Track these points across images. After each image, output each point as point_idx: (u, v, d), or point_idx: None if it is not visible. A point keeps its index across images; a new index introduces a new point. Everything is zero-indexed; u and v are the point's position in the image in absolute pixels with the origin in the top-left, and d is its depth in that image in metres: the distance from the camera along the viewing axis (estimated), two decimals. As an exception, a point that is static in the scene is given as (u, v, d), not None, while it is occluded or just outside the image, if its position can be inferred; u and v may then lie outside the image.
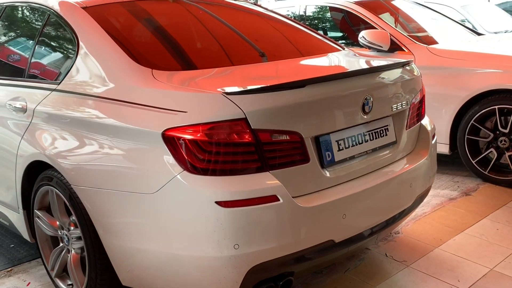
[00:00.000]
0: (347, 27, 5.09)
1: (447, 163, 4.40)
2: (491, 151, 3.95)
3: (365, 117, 2.34)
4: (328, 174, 2.22)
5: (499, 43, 4.95)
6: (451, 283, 2.68)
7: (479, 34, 5.36)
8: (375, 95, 2.37)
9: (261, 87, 2.04)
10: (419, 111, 2.76)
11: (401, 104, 2.55)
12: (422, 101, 2.79)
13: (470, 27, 7.10)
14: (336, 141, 2.27)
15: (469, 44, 4.64)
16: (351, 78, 2.35)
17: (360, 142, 2.39)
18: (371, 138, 2.45)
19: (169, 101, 2.04)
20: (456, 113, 4.01)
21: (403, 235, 3.19)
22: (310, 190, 2.16)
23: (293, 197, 2.05)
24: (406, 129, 2.63)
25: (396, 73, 2.59)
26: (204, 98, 2.01)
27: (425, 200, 3.61)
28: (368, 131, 2.43)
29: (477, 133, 3.99)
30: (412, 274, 2.77)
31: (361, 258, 2.93)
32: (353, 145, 2.35)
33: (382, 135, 2.50)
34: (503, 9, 8.69)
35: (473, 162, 4.02)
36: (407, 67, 2.67)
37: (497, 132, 3.90)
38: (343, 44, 4.74)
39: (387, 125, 2.53)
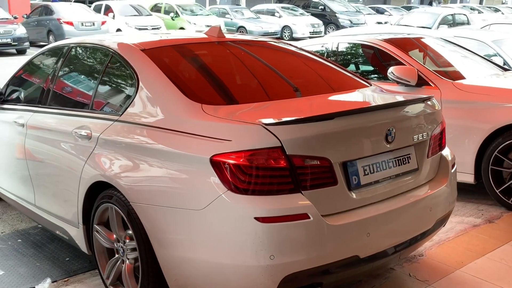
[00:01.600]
0: (378, 63, 5.39)
1: (473, 192, 4.60)
2: (514, 181, 4.14)
3: (388, 146, 2.63)
4: (354, 196, 2.52)
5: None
6: (470, 301, 2.90)
7: (506, 69, 5.57)
8: (397, 127, 2.67)
9: (295, 119, 2.38)
10: (440, 141, 3.02)
11: (422, 135, 2.84)
12: (442, 133, 3.06)
13: (502, 61, 7.29)
14: (362, 166, 2.57)
15: (494, 79, 4.87)
16: (375, 111, 2.66)
17: (384, 168, 2.68)
18: (394, 165, 2.73)
19: (216, 131, 2.39)
20: (481, 144, 4.24)
21: (426, 258, 3.42)
22: (338, 209, 2.46)
23: (322, 215, 2.35)
24: (428, 158, 2.90)
25: (417, 107, 2.88)
26: (246, 128, 2.36)
27: (449, 226, 3.85)
28: (391, 159, 2.71)
29: (501, 164, 4.20)
30: (433, 292, 3.00)
31: (386, 277, 3.17)
32: (377, 171, 2.65)
33: (404, 162, 2.79)
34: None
35: (497, 191, 4.22)
36: (428, 102, 2.96)
37: (520, 163, 4.11)
38: (374, 78, 5.06)
39: (409, 154, 2.81)
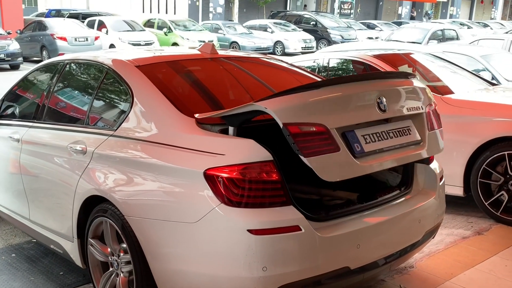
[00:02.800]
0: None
1: (463, 205, 4.67)
2: (502, 194, 4.22)
3: (381, 114, 2.63)
4: (360, 163, 2.53)
5: (510, 93, 5.28)
6: (459, 312, 2.95)
7: (494, 84, 5.69)
8: (387, 95, 2.67)
9: (284, 91, 2.41)
10: (437, 119, 3.03)
11: (416, 108, 2.86)
12: (437, 113, 3.04)
13: (490, 76, 7.42)
14: (361, 135, 2.59)
15: (482, 94, 4.98)
16: (362, 81, 2.69)
17: (385, 138, 2.71)
18: (396, 136, 2.76)
19: (210, 145, 2.45)
20: (469, 158, 4.32)
21: (416, 269, 3.47)
22: (347, 176, 2.48)
23: (315, 228, 2.40)
24: (429, 131, 2.93)
25: (403, 81, 2.92)
26: (239, 143, 2.43)
27: (439, 238, 3.91)
28: (391, 130, 2.75)
29: (489, 177, 4.28)
30: (423, 303, 3.05)
31: (377, 289, 3.22)
32: (379, 140, 2.67)
33: (405, 134, 2.82)
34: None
35: (486, 204, 4.29)
36: (414, 80, 2.97)
37: (508, 175, 4.19)
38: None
39: (408, 126, 2.85)
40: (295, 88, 2.46)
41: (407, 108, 2.83)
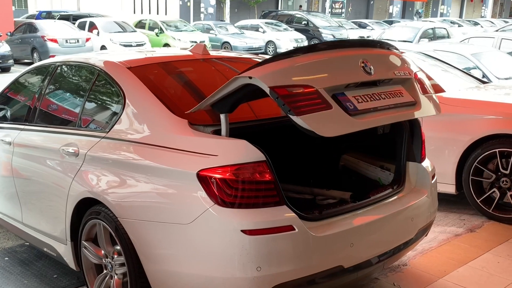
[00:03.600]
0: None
1: (455, 203, 4.70)
2: (494, 191, 4.25)
3: (368, 76, 2.58)
4: (356, 119, 2.45)
5: (501, 91, 5.32)
6: (453, 309, 2.97)
7: (484, 82, 5.73)
8: (370, 60, 2.62)
9: (269, 58, 2.40)
10: (424, 86, 2.96)
11: (403, 73, 2.81)
12: (423, 80, 2.99)
13: (481, 74, 7.47)
14: (353, 96, 2.51)
15: (473, 92, 5.01)
16: (343, 48, 2.66)
17: (378, 99, 2.63)
18: (388, 97, 2.68)
19: (203, 146, 2.46)
20: (461, 156, 4.35)
21: (410, 267, 3.49)
22: (344, 131, 2.41)
23: (307, 222, 2.41)
24: (422, 94, 2.87)
25: (385, 51, 2.89)
26: (232, 143, 2.43)
27: (432, 236, 3.93)
28: (382, 92, 2.67)
29: (481, 174, 4.31)
30: (417, 301, 3.07)
31: (371, 287, 3.23)
32: (371, 100, 2.59)
33: (397, 96, 2.75)
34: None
35: (478, 201, 4.32)
36: (395, 50, 2.95)
37: (499, 173, 4.22)
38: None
39: (399, 90, 2.78)
40: (279, 55, 2.44)
41: (393, 73, 2.76)
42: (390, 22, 28.00)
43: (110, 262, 2.89)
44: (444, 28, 17.34)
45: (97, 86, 3.24)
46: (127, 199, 2.67)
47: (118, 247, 2.76)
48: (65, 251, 3.23)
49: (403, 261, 3.53)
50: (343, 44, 2.75)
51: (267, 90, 2.28)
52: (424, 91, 2.92)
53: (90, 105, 3.26)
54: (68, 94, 3.64)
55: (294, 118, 2.26)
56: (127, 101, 2.89)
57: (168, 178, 2.51)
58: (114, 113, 2.99)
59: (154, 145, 2.63)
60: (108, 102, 3.18)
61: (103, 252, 2.94)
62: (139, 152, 2.69)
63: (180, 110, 2.73)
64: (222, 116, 2.53)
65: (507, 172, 4.17)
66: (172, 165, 2.51)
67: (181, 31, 21.46)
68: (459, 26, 23.93)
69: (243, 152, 2.38)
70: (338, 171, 3.56)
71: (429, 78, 5.32)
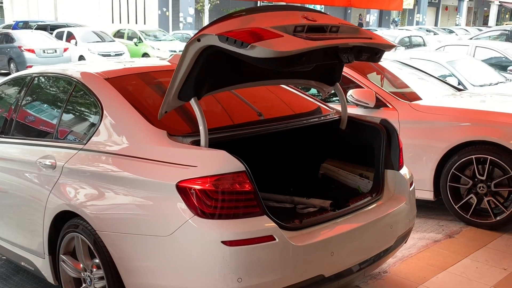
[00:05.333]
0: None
1: (434, 209, 4.75)
2: (471, 197, 4.31)
3: (313, 22, 2.51)
4: (308, 40, 2.35)
5: (476, 98, 5.42)
6: (433, 315, 3.00)
7: (459, 89, 5.83)
8: (312, 16, 2.56)
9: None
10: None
11: (349, 26, 2.73)
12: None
13: (456, 81, 7.60)
14: (303, 33, 2.41)
15: (449, 99, 5.09)
16: None
17: (330, 35, 2.55)
18: (341, 34, 2.61)
19: (182, 157, 2.45)
20: (438, 162, 4.41)
21: (390, 274, 3.51)
22: (299, 46, 2.29)
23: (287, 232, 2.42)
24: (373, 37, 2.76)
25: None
26: (211, 154, 2.43)
27: (411, 242, 3.97)
28: (332, 35, 2.58)
29: (458, 181, 4.37)
30: (397, 308, 3.09)
31: (352, 295, 3.25)
32: (324, 35, 2.50)
33: (350, 33, 2.66)
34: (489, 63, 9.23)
35: (456, 207, 4.38)
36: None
37: (476, 179, 4.28)
38: (336, 101, 5.18)
39: (350, 34, 2.66)
40: (222, 17, 2.44)
41: (338, 22, 2.70)
42: (368, 31, 28.30)
43: (89, 276, 2.85)
44: (420, 36, 17.62)
45: (74, 97, 3.21)
46: (105, 212, 2.64)
47: (97, 261, 2.72)
48: (43, 265, 3.18)
49: (384, 268, 3.56)
50: (285, 7, 2.81)
51: (216, 39, 2.25)
52: (375, 36, 2.84)
53: (67, 117, 3.23)
54: (45, 105, 3.60)
55: (249, 48, 2.19)
56: (104, 112, 2.87)
57: (147, 190, 2.49)
58: (92, 125, 2.96)
59: (132, 157, 2.61)
60: (85, 114, 3.15)
61: (81, 265, 2.90)
62: (117, 164, 2.67)
63: (159, 121, 2.72)
64: (192, 103, 2.52)
65: (484, 178, 4.24)
66: (151, 177, 2.49)
67: (160, 40, 21.40)
68: (434, 34, 24.33)
69: (222, 162, 2.38)
70: (318, 180, 3.58)
71: (406, 86, 5.42)
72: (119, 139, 2.75)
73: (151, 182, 2.48)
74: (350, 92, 4.79)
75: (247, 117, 3.16)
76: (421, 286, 3.34)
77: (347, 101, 4.89)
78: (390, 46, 2.82)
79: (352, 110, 4.79)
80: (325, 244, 2.57)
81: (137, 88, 3.13)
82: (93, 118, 2.99)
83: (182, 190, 2.36)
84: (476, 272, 3.55)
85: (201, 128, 2.52)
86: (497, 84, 7.69)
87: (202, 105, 3.15)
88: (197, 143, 2.56)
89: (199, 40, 2.33)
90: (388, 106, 4.74)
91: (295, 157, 3.69)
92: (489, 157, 4.16)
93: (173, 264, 2.40)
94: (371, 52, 2.71)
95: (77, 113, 3.23)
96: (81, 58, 18.23)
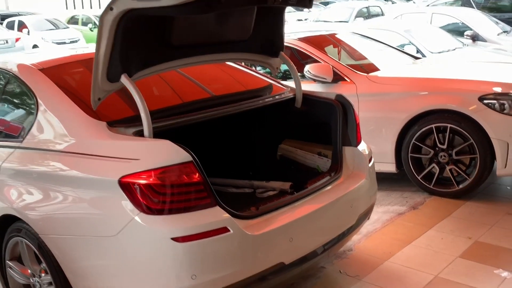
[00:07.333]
0: (296, 62, 5.41)
1: (397, 181, 4.70)
2: (434, 167, 4.27)
3: None
4: None
5: (434, 66, 5.37)
6: (399, 292, 2.94)
7: (417, 58, 5.77)
8: None
9: None
10: None
11: None
12: None
13: (415, 49, 7.55)
14: None
15: (406, 69, 5.02)
16: None
17: None
18: None
19: (123, 150, 2.27)
20: (399, 134, 4.34)
21: (355, 252, 3.44)
22: None
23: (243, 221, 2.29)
24: None
25: None
26: (154, 145, 2.26)
27: (376, 217, 3.91)
28: None
29: (419, 151, 4.32)
30: (364, 287, 3.02)
31: (317, 277, 3.16)
32: None
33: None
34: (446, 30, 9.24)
35: (419, 178, 4.34)
36: None
37: (437, 148, 4.24)
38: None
39: None
40: None
41: None
42: (326, 3, 28.20)
43: (38, 282, 2.68)
44: (378, 6, 17.58)
45: (8, 92, 2.98)
46: (47, 213, 2.46)
47: (45, 265, 2.55)
48: (-11, 273, 2.99)
49: (349, 247, 3.48)
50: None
51: (127, 1, 2.13)
52: None
53: (2, 113, 3.00)
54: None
55: None
56: (40, 106, 2.66)
57: (88, 187, 2.31)
58: (28, 120, 2.75)
59: (71, 153, 2.42)
60: (21, 108, 2.93)
61: (29, 271, 2.72)
62: (56, 161, 2.47)
63: (99, 112, 2.53)
64: (124, 81, 2.36)
65: (445, 147, 4.19)
66: (91, 173, 2.31)
67: (115, 24, 20.76)
68: (392, 3, 24.37)
69: (167, 153, 2.22)
70: (276, 162, 3.46)
71: (364, 58, 5.32)
72: (56, 134, 2.55)
73: (92, 179, 2.31)
74: (307, 67, 4.67)
75: (196, 97, 3.02)
76: (387, 262, 3.28)
77: (304, 77, 4.79)
78: None
79: (311, 86, 4.69)
80: (283, 230, 2.45)
81: (75, 77, 2.93)
82: (28, 113, 2.78)
83: (125, 186, 2.19)
84: (442, 243, 3.51)
85: (142, 115, 2.34)
86: (454, 50, 7.69)
87: (145, 88, 2.98)
88: (141, 133, 2.39)
89: (111, 9, 2.17)
90: (346, 80, 4.63)
91: (252, 140, 3.56)
92: (449, 125, 4.12)
93: (123, 266, 2.24)
94: None
95: (13, 109, 3.00)
96: (35, 47, 17.55)
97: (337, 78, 4.63)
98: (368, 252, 3.43)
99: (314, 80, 4.66)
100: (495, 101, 4.02)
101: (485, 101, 4.02)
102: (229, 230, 2.24)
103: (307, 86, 4.63)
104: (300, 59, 5.24)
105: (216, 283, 2.22)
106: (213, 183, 3.26)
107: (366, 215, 3.06)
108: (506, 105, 3.99)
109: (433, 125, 4.19)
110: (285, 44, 5.16)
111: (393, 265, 3.25)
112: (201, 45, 2.73)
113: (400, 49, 6.16)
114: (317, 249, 2.68)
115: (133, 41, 2.37)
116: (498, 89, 4.10)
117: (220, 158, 3.50)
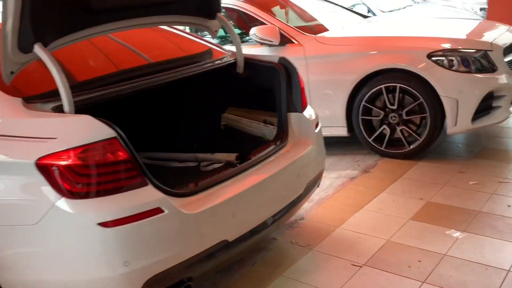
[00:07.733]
0: (244, 25, 5.19)
1: (348, 144, 4.61)
2: (384, 128, 4.18)
3: None
4: None
5: (383, 25, 5.24)
6: (351, 259, 2.85)
7: (365, 16, 5.63)
8: None
9: None
10: None
11: None
12: None
13: (366, 9, 7.42)
14: None
15: (356, 28, 4.88)
16: None
17: None
18: None
19: (38, 129, 2.04)
20: (349, 96, 4.22)
21: (307, 221, 3.34)
22: None
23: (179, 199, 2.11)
24: None
25: None
26: (72, 121, 2.03)
27: (328, 183, 3.82)
28: None
29: (370, 113, 4.22)
30: (315, 256, 2.92)
31: (269, 249, 3.04)
32: None
33: None
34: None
35: (370, 140, 4.25)
36: None
37: (387, 109, 4.14)
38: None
39: None
40: None
41: None
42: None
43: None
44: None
45: None
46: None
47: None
48: None
49: (300, 215, 3.37)
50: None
51: None
52: None
53: None
54: None
55: None
56: None
57: (4, 172, 2.07)
58: None
59: (-17, 135, 2.16)
60: None
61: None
62: (-32, 145, 2.21)
63: (13, 87, 2.26)
64: (38, 51, 2.10)
65: (395, 107, 4.10)
66: (8, 156, 2.07)
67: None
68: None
69: (87, 130, 1.99)
70: (221, 132, 3.27)
71: (313, 19, 5.13)
72: None
73: (7, 162, 2.06)
74: (253, 30, 4.46)
75: (130, 65, 2.78)
76: (339, 229, 3.19)
77: (251, 40, 4.58)
78: None
79: (258, 50, 4.50)
80: (224, 206, 2.28)
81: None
82: None
83: (43, 168, 1.96)
84: (393, 205, 3.44)
85: (60, 89, 2.10)
86: (405, 8, 7.61)
87: (72, 57, 2.71)
88: (61, 108, 2.15)
89: None
90: (293, 42, 4.45)
91: (193, 110, 3.35)
92: (398, 84, 4.02)
93: (49, 256, 2.04)
94: None
95: None
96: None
97: (285, 40, 4.44)
98: (319, 220, 3.33)
99: (261, 43, 4.46)
100: (443, 58, 3.93)
101: (434, 58, 3.93)
102: (163, 211, 2.06)
103: (255, 50, 4.45)
104: (248, 21, 5.02)
105: (152, 269, 2.05)
106: (155, 158, 3.09)
107: (314, 182, 2.94)
108: (455, 62, 3.91)
109: (382, 86, 4.08)
110: (231, 6, 4.97)
111: (344, 232, 3.16)
112: (127, 8, 2.48)
113: (351, 9, 6.00)
114: (267, 220, 2.54)
115: (46, 5, 2.10)
116: (447, 45, 4.02)
117: (161, 131, 3.29)
